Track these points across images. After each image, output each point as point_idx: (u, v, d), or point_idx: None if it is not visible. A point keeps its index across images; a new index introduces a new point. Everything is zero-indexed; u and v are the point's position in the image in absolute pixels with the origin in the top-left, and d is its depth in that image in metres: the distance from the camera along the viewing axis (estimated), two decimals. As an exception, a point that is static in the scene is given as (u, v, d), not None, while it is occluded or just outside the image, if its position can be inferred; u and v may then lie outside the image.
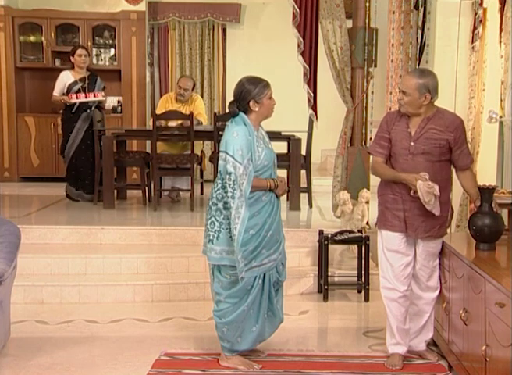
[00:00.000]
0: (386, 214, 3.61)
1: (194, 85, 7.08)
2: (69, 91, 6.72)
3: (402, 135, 3.56)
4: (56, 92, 6.81)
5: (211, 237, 3.47)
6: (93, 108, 6.76)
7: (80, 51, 6.78)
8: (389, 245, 3.61)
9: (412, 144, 3.52)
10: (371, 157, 5.76)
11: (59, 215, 6.34)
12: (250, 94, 3.42)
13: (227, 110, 5.06)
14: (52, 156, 8.48)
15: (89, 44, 8.48)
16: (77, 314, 4.51)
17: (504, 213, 3.76)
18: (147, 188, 6.75)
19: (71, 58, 6.77)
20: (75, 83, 6.76)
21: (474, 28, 5.22)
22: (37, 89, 8.69)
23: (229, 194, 3.35)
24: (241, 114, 3.46)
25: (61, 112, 7.08)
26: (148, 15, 8.64)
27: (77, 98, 6.70)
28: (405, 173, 3.50)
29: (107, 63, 8.75)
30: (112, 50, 8.69)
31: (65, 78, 6.78)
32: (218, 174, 3.42)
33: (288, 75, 7.19)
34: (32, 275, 4.94)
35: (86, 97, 6.72)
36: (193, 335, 4.14)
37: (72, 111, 6.71)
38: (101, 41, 8.71)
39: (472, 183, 3.59)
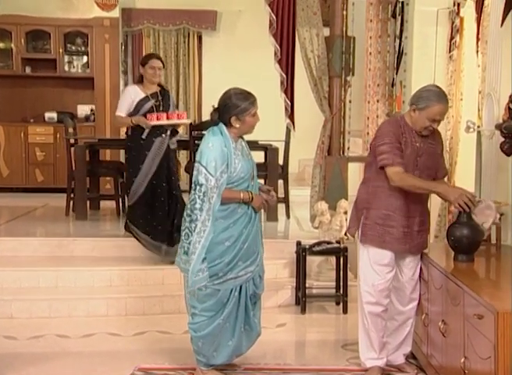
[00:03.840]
0: (378, 230, 3.54)
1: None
2: (138, 110, 5.20)
3: (411, 149, 3.47)
4: (121, 112, 5.25)
5: (185, 249, 3.46)
6: (168, 132, 5.25)
7: (154, 62, 5.21)
8: (380, 260, 3.56)
9: (418, 158, 3.49)
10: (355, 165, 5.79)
11: (29, 226, 6.26)
12: (235, 110, 3.40)
13: (203, 119, 5.05)
14: (22, 166, 8.40)
15: (60, 51, 8.45)
16: (48, 329, 4.45)
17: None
18: (120, 199, 6.71)
19: (140, 69, 5.28)
20: (146, 99, 5.22)
21: (452, 37, 5.29)
22: (7, 97, 8.61)
23: (197, 205, 3.34)
24: (221, 124, 3.45)
25: (125, 134, 5.48)
26: (122, 22, 8.63)
27: (158, 119, 5.14)
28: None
29: (79, 71, 8.71)
30: (85, 57, 8.66)
31: (133, 94, 5.25)
32: (193, 185, 3.41)
33: (265, 83, 7.18)
34: (0, 289, 4.87)
35: (167, 118, 5.21)
36: (168, 349, 4.11)
37: (143, 136, 5.15)
38: (74, 48, 8.67)
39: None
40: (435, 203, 4.79)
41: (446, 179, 3.75)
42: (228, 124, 3.44)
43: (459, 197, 3.30)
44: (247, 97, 3.45)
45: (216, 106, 3.49)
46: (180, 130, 5.76)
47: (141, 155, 5.12)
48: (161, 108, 5.22)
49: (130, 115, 5.20)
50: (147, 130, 5.11)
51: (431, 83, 5.15)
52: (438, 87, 3.55)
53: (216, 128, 3.45)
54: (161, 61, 5.32)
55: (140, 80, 5.31)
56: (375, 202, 3.55)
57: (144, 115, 5.14)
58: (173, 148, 5.33)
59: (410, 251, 3.60)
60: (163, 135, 5.20)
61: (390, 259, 3.58)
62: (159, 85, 5.33)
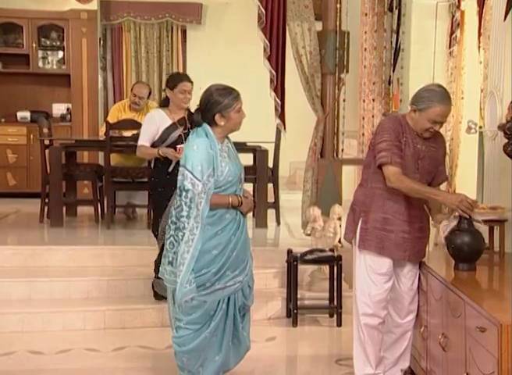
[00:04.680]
0: (376, 234, 3.54)
1: (150, 92, 7.05)
2: (164, 139, 4.76)
3: (412, 150, 3.49)
4: (145, 141, 4.84)
5: (170, 259, 3.46)
6: None
7: (184, 85, 4.76)
8: (378, 268, 3.57)
9: (419, 162, 3.50)
10: (340, 169, 5.81)
11: (0, 234, 6.22)
12: (217, 107, 3.41)
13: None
14: (-8, 168, 8.36)
15: (34, 45, 8.41)
16: (20, 345, 4.42)
17: (485, 230, 3.83)
18: (99, 204, 6.69)
19: (167, 92, 4.82)
20: (173, 127, 4.76)
21: (452, 32, 5.33)
22: (-23, 94, 8.58)
23: (184, 213, 3.34)
24: (205, 125, 3.46)
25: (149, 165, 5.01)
26: (100, 14, 8.60)
27: None
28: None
29: (54, 67, 8.68)
30: (60, 52, 8.63)
31: (158, 120, 4.80)
32: (178, 190, 3.41)
33: (253, 81, 7.23)
34: (-30, 301, 4.85)
35: None
36: (150, 366, 4.10)
37: (170, 169, 4.68)
38: (48, 42, 8.64)
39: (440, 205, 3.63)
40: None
41: (444, 186, 3.76)
42: (212, 123, 3.44)
43: (460, 203, 3.32)
44: (230, 92, 3.46)
45: (198, 106, 3.50)
46: None
47: (168, 191, 4.48)
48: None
49: (154, 145, 4.77)
50: (173, 163, 4.62)
51: (429, 80, 5.21)
52: (441, 86, 3.57)
53: (200, 129, 3.46)
54: (191, 82, 4.85)
55: (165, 104, 4.87)
56: (373, 205, 3.56)
57: (171, 145, 4.70)
58: None
59: (410, 259, 3.61)
60: None
61: (388, 268, 3.58)
62: (186, 109, 4.84)
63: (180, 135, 4.70)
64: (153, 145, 4.78)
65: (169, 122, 4.75)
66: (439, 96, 3.40)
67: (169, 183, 4.47)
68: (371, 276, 3.58)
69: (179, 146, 4.59)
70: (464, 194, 3.44)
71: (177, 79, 4.85)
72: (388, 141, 3.44)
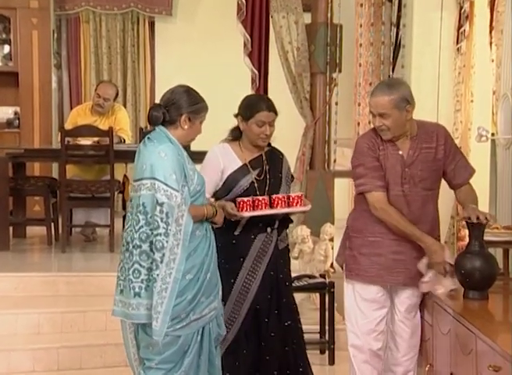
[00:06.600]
0: (362, 262, 3.60)
1: (117, 94, 7.05)
2: (229, 189, 3.85)
3: (393, 160, 3.55)
4: (206, 191, 3.77)
5: (137, 290, 3.40)
6: (276, 223, 3.91)
7: (263, 115, 3.80)
8: (365, 294, 3.63)
9: (407, 170, 3.54)
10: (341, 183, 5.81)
11: None
12: (189, 107, 3.41)
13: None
14: None
15: (-24, 39, 8.38)
16: (-41, 389, 4.39)
17: (498, 253, 3.85)
18: (53, 224, 6.66)
19: (239, 121, 3.88)
20: (244, 171, 3.87)
21: (460, 26, 5.38)
22: None
23: (161, 230, 3.30)
24: (162, 128, 3.43)
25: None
26: (54, 3, 8.59)
27: (256, 206, 3.78)
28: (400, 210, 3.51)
29: (0, 64, 8.64)
30: (7, 47, 8.59)
31: (223, 160, 3.87)
32: (141, 207, 3.33)
33: (232, 81, 7.26)
34: None
35: (272, 205, 3.85)
36: (112, 413, 4.08)
37: (236, 232, 3.87)
38: (-8, 35, 8.62)
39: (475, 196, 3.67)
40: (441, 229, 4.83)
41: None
42: (172, 125, 3.41)
43: (442, 262, 3.44)
44: (203, 99, 3.49)
45: (161, 103, 3.45)
46: None
47: (234, 262, 3.86)
48: (266, 184, 3.89)
49: (216, 195, 3.89)
50: (242, 223, 3.85)
51: (434, 81, 5.26)
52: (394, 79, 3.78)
53: (156, 134, 3.39)
54: (275, 111, 3.85)
55: (236, 137, 3.94)
56: (360, 229, 3.63)
57: (237, 197, 3.83)
58: (283, 248, 3.99)
59: (405, 284, 3.62)
60: (268, 230, 3.89)
61: (377, 294, 3.62)
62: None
63: (253, 183, 3.87)
64: (215, 196, 3.90)
65: (238, 164, 3.88)
66: (373, 90, 3.67)
67: (236, 251, 3.87)
68: (358, 303, 3.65)
69: (240, 200, 3.76)
70: (446, 250, 3.52)
71: (255, 106, 3.85)
72: (364, 165, 3.56)
